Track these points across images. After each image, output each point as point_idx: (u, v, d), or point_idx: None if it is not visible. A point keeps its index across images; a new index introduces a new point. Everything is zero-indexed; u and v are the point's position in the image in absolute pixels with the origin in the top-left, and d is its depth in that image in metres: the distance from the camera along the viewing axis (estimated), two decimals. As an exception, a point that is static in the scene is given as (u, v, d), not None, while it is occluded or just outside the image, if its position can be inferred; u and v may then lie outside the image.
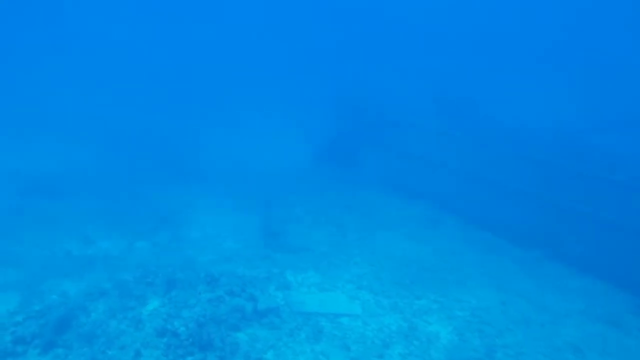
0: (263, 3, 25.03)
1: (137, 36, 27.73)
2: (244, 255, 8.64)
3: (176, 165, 14.80)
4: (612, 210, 8.92)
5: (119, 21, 27.46)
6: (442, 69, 17.41)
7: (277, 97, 20.70)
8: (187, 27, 27.18)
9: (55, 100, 20.05)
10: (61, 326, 5.13)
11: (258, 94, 21.35)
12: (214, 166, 15.07)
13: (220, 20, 27.05)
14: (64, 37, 25.56)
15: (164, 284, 6.13)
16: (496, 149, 11.62)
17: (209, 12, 27.16)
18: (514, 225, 10.26)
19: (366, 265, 8.16)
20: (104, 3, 27.23)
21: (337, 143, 16.27)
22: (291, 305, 6.44)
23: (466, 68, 17.53)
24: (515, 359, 6.15)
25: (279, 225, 9.70)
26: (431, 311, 7.08)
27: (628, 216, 8.71)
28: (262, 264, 7.90)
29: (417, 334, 6.39)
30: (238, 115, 20.39)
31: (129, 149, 16.06)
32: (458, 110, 14.87)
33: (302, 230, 9.42)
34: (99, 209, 10.89)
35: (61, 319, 5.17)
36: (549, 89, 16.31)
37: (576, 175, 9.80)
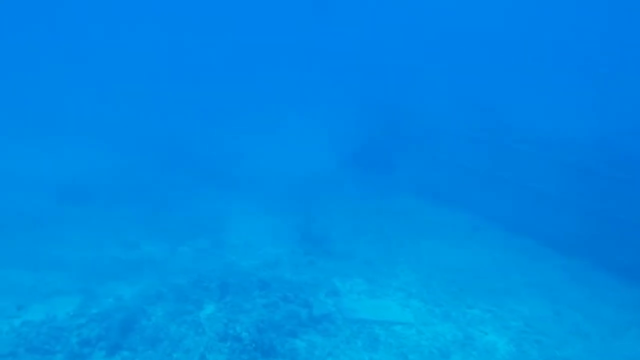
0: (291, 6, 25.25)
1: (162, 41, 28.41)
2: (287, 260, 8.63)
3: (205, 169, 14.97)
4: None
5: (143, 25, 28.15)
6: (473, 73, 17.24)
7: (306, 101, 20.81)
8: (215, 30, 27.60)
9: (81, 106, 20.60)
10: (125, 329, 5.20)
11: (286, 97, 21.53)
12: (244, 170, 15.19)
13: (249, 23, 27.42)
14: (87, 43, 26.32)
15: (218, 289, 6.17)
16: (533, 155, 11.40)
17: (237, 14, 27.52)
18: (557, 232, 9.95)
19: (412, 273, 8.04)
20: (125, 7, 27.93)
21: (367, 148, 16.19)
22: (343, 312, 6.37)
23: (497, 73, 17.31)
24: (580, 373, 5.95)
25: (320, 231, 9.66)
26: (485, 321, 6.90)
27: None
28: (308, 270, 7.87)
29: (474, 344, 6.22)
30: (266, 119, 20.53)
31: (157, 153, 16.35)
32: (490, 115, 14.69)
33: (344, 236, 9.36)
34: (136, 214, 11.07)
35: (124, 322, 5.24)
36: (578, 93, 15.96)
37: (620, 182, 9.52)
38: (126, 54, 26.92)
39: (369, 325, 6.19)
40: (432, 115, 15.46)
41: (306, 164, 16.48)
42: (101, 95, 22.21)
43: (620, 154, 10.59)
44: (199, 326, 5.41)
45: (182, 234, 10.05)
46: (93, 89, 22.91)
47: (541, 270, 8.82)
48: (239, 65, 24.93)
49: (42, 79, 22.01)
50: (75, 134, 17.91)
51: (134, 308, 5.68)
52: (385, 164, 15.07)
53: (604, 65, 16.47)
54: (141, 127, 19.44)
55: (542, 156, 11.10)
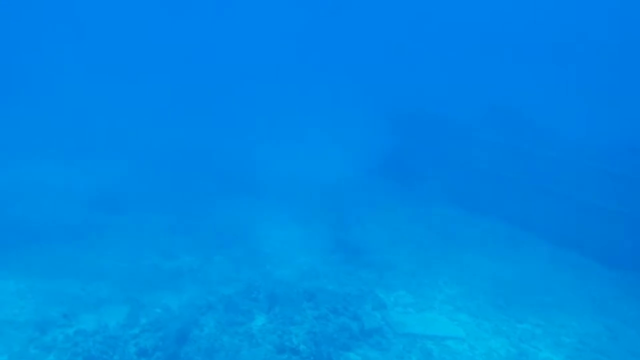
0: (314, 15, 25.49)
1: (185, 52, 28.96)
2: (326, 271, 8.53)
3: (230, 179, 15.04)
4: None
5: (165, 38, 28.73)
6: (505, 81, 17.04)
7: (331, 110, 20.84)
8: (238, 37, 27.99)
9: (105, 121, 21.07)
10: (180, 339, 5.18)
11: (311, 105, 21.60)
12: (270, 179, 15.19)
13: (270, 33, 27.77)
14: (110, 57, 27.00)
15: (267, 300, 6.11)
16: (571, 163, 11.12)
17: (259, 24, 27.91)
18: (603, 245, 9.60)
19: (456, 286, 7.85)
20: (146, 22, 28.51)
21: (394, 157, 16.06)
22: (393, 326, 6.24)
23: (529, 80, 17.07)
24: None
25: (356, 241, 9.57)
26: (537, 336, 6.66)
27: None
28: (350, 281, 7.76)
29: (530, 361, 6.02)
30: (290, 127, 20.62)
31: (182, 164, 16.54)
32: (522, 123, 14.44)
33: (382, 247, 9.23)
34: (169, 223, 11.13)
35: (179, 333, 5.23)
36: (614, 100, 15.58)
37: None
38: (149, 67, 27.60)
39: (420, 339, 6.04)
40: (461, 123, 15.30)
41: (332, 172, 16.40)
42: (123, 110, 22.79)
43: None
44: (252, 337, 5.36)
45: (216, 243, 10.06)
46: (116, 104, 23.52)
47: (589, 284, 8.52)
48: (266, 73, 25.20)
49: (63, 95, 22.68)
50: (101, 148, 18.22)
51: (185, 318, 5.67)
52: (414, 173, 14.89)
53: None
54: (165, 138, 19.77)
55: (582, 165, 10.83)
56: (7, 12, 25.30)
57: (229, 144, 19.06)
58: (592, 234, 9.77)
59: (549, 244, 10.03)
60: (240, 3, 27.86)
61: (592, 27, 18.64)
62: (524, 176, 11.86)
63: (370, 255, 8.99)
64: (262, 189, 14.29)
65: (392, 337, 5.90)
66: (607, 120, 13.83)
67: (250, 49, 27.08)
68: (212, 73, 27.45)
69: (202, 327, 5.53)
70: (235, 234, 10.57)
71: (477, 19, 20.57)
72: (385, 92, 19.13)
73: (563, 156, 11.47)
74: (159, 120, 21.50)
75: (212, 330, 5.48)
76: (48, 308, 7.00)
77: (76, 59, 26.00)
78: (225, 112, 22.71)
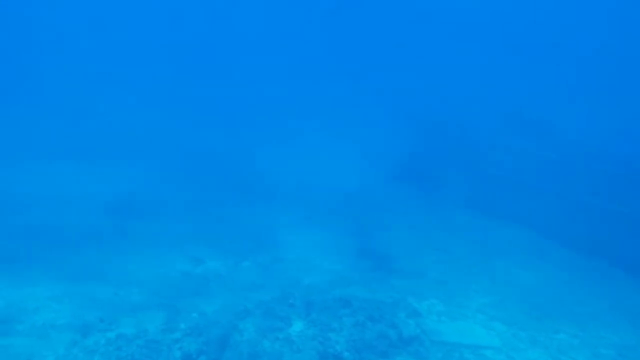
0: (331, 19, 25.68)
1: (200, 59, 29.34)
2: (353, 278, 8.52)
3: (246, 185, 15.15)
4: None
5: (177, 45, 29.13)
6: (524, 86, 17.01)
7: (346, 115, 20.93)
8: (252, 43, 28.22)
9: (119, 123, 21.38)
10: (222, 344, 5.23)
11: (327, 111, 21.70)
12: (286, 186, 15.28)
13: (289, 35, 27.98)
14: (126, 60, 27.43)
15: (304, 306, 6.15)
16: (593, 170, 11.04)
17: (271, 27, 28.14)
18: (631, 254, 9.52)
19: (488, 295, 7.80)
20: (159, 29, 28.94)
21: (412, 162, 16.04)
22: (429, 334, 6.22)
23: (547, 85, 17.02)
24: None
25: (381, 248, 9.58)
26: (574, 347, 6.58)
27: None
28: (381, 289, 7.76)
29: (570, 372, 5.95)
30: (306, 133, 20.73)
31: (197, 169, 16.70)
32: (542, 129, 14.40)
33: (409, 254, 9.23)
34: (190, 229, 11.24)
35: (221, 337, 5.28)
36: (634, 107, 15.45)
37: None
38: (161, 71, 28.03)
39: (458, 348, 6.01)
40: (481, 128, 15.28)
41: (349, 179, 16.42)
42: (136, 114, 23.12)
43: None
44: (293, 343, 5.39)
45: (241, 249, 10.14)
46: (128, 108, 23.89)
47: (620, 294, 8.39)
48: (283, 77, 25.38)
49: (78, 98, 23.08)
50: (115, 152, 18.49)
51: (224, 323, 5.73)
52: (434, 179, 14.86)
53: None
54: (178, 143, 20.04)
55: (605, 172, 10.76)
56: (22, 14, 25.96)
57: (244, 149, 19.20)
58: (619, 242, 9.65)
59: (574, 252, 9.92)
60: (257, 3, 28.10)
61: (613, 30, 18.56)
62: (546, 183, 11.79)
63: (397, 262, 8.99)
64: (280, 194, 14.37)
65: (429, 345, 5.89)
66: (631, 126, 13.71)
67: (267, 51, 27.30)
68: (226, 76, 27.79)
69: (242, 332, 5.58)
70: (258, 240, 10.64)
71: (497, 24, 20.65)
72: (403, 97, 19.20)
73: (586, 163, 11.41)
74: (172, 125, 21.82)
75: (252, 335, 5.52)
76: (84, 312, 7.12)
77: (93, 64, 26.58)
78: (240, 117, 22.92)
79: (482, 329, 6.59)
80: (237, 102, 24.13)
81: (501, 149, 13.79)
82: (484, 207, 12.38)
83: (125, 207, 12.49)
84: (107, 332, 6.09)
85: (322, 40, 26.32)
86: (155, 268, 9.07)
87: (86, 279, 8.43)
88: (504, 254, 9.53)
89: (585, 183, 10.94)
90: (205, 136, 20.35)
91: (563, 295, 8.02)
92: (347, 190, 14.79)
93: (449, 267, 8.71)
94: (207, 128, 21.30)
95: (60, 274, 8.53)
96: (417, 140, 16.41)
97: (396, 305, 6.91)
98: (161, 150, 18.30)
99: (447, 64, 20.84)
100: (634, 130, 13.14)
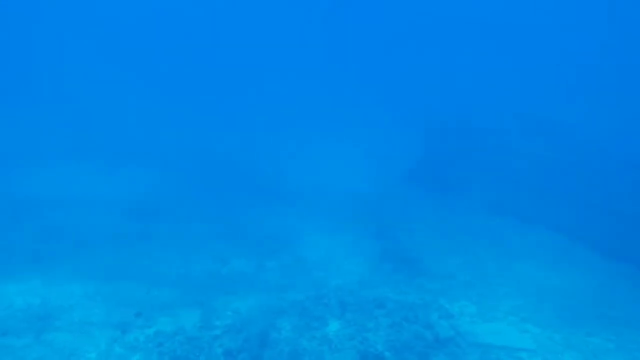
0: (344, 22, 25.82)
1: (215, 63, 29.63)
2: (380, 279, 8.52)
3: (261, 187, 15.25)
4: None
5: (190, 53, 29.41)
6: (545, 89, 16.93)
7: (363, 118, 20.98)
8: (267, 46, 28.42)
9: (132, 128, 21.67)
10: (261, 342, 5.29)
11: (342, 114, 21.78)
12: (302, 188, 15.36)
13: (297, 44, 28.19)
14: (142, 65, 27.75)
15: (338, 306, 6.19)
16: (616, 175, 10.96)
17: (287, 31, 28.33)
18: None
19: (518, 297, 7.76)
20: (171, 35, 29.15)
21: (428, 165, 16.00)
22: (464, 336, 6.21)
23: (568, 89, 16.91)
24: None
25: (406, 250, 9.59)
26: (609, 351, 6.52)
27: None
28: (410, 290, 7.76)
29: (609, 375, 5.90)
30: (321, 136, 20.84)
31: (212, 172, 16.84)
32: (561, 133, 14.29)
33: (435, 256, 9.22)
34: (212, 231, 11.34)
35: (260, 335, 5.34)
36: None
37: None
38: (176, 75, 28.37)
39: (493, 350, 6.00)
40: (496, 131, 15.21)
41: (364, 181, 16.44)
42: (151, 118, 23.41)
43: None
44: (331, 342, 5.43)
45: (263, 250, 10.22)
46: (142, 111, 24.21)
47: (652, 299, 8.32)
48: (296, 80, 25.53)
49: (91, 102, 23.43)
50: (131, 155, 18.81)
51: (261, 322, 5.79)
52: (450, 181, 14.82)
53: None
54: (192, 146, 20.23)
55: (629, 175, 10.66)
56: (33, 17, 26.46)
57: (259, 153, 19.34)
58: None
59: (601, 255, 9.82)
60: (271, 4, 28.33)
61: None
62: (570, 186, 11.71)
63: (423, 264, 8.99)
64: (297, 197, 14.45)
65: (465, 346, 5.88)
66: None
67: (282, 57, 27.53)
68: (240, 82, 28.04)
69: (279, 330, 5.64)
70: (279, 242, 10.72)
71: (512, 28, 20.61)
72: (418, 100, 19.21)
73: (611, 166, 11.32)
74: (184, 130, 22.07)
75: (290, 334, 5.58)
76: (120, 310, 7.24)
77: (109, 68, 27.01)
78: (255, 122, 23.11)
79: (516, 331, 6.56)
80: (251, 107, 24.35)
81: (521, 152, 13.73)
82: (506, 210, 12.31)
83: (146, 209, 12.73)
84: (145, 329, 6.20)
85: (336, 46, 26.49)
86: (182, 268, 9.19)
87: (116, 278, 8.58)
88: (531, 257, 9.46)
89: (611, 186, 10.85)
90: (218, 140, 20.57)
91: (594, 299, 7.94)
92: (363, 192, 14.82)
93: (477, 269, 8.68)
94: (220, 132, 21.53)
95: (91, 274, 8.69)
96: (432, 143, 16.39)
97: (428, 307, 6.91)
98: (174, 153, 18.54)
99: (462, 66, 20.85)
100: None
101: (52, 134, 19.22)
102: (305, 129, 21.15)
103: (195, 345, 5.39)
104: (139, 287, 8.10)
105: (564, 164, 12.36)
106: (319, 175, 16.41)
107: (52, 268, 8.72)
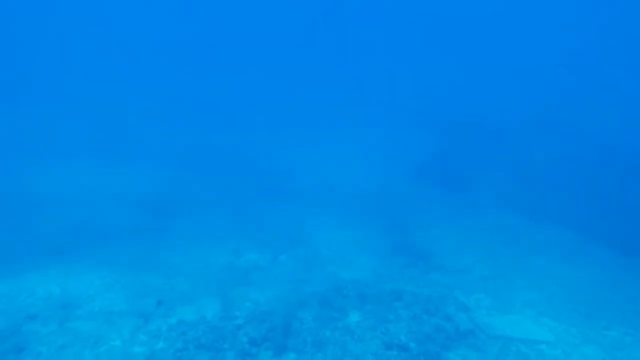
0: (356, 19, 25.65)
1: (222, 60, 29.61)
2: (395, 273, 8.54)
3: (272, 184, 15.28)
4: None
5: (199, 52, 29.39)
6: (557, 86, 16.82)
7: (373, 115, 20.92)
8: (275, 43, 28.32)
9: (140, 125, 21.74)
10: (285, 331, 5.34)
11: (351, 110, 21.71)
12: (312, 184, 15.39)
13: (305, 41, 28.07)
14: (151, 65, 27.80)
15: (357, 298, 6.23)
16: (632, 171, 10.92)
17: (297, 29, 28.18)
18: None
19: (533, 291, 7.78)
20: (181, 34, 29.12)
21: (438, 162, 15.97)
22: (483, 328, 6.25)
23: (580, 86, 16.80)
24: None
25: (419, 245, 9.62)
26: (628, 344, 6.54)
27: None
28: (425, 284, 7.79)
29: (629, 369, 5.92)
30: (330, 132, 20.80)
31: (222, 169, 16.89)
32: (572, 129, 14.23)
33: (449, 251, 9.24)
34: (225, 225, 11.42)
35: (283, 325, 5.39)
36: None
37: None
38: (184, 75, 28.38)
39: (513, 342, 6.03)
40: (509, 128, 15.17)
41: (373, 177, 16.47)
42: (160, 115, 23.45)
43: None
44: (353, 332, 5.48)
45: (276, 244, 10.28)
46: (151, 109, 24.25)
47: (667, 294, 8.31)
48: (307, 77, 25.46)
49: (102, 99, 23.50)
50: (142, 152, 18.88)
51: (282, 312, 5.84)
52: (460, 178, 14.80)
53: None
54: (204, 146, 20.24)
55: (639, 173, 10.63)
56: (48, 11, 26.49)
57: (269, 149, 19.37)
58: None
59: (613, 250, 9.81)
60: (278, 10, 28.31)
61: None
62: (581, 182, 11.70)
63: (437, 259, 9.02)
64: (307, 193, 14.48)
65: (485, 338, 5.92)
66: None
67: (291, 53, 27.43)
68: (247, 81, 28.01)
69: (301, 321, 5.69)
70: (290, 236, 10.77)
71: (525, 27, 20.44)
72: (429, 98, 19.14)
73: (622, 163, 11.28)
74: (198, 127, 22.12)
75: (312, 324, 5.63)
76: (139, 300, 7.31)
77: (117, 66, 27.07)
78: (266, 119, 23.09)
79: (533, 324, 6.59)
80: (263, 105, 24.30)
81: (532, 149, 13.70)
82: (518, 207, 12.29)
83: (160, 203, 12.88)
84: (167, 318, 6.28)
85: (346, 44, 26.35)
86: (198, 260, 9.27)
87: (134, 269, 8.66)
88: (544, 252, 9.47)
89: (623, 183, 10.83)
90: (229, 138, 20.59)
91: (609, 293, 7.95)
92: (373, 189, 14.82)
93: (491, 264, 8.71)
94: (231, 131, 21.56)
95: (109, 265, 8.78)
96: (442, 140, 16.37)
97: (445, 300, 6.94)
98: (186, 150, 18.60)
99: (473, 65, 20.74)
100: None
101: (67, 132, 19.36)
102: (317, 127, 21.11)
103: (219, 334, 5.45)
104: (156, 279, 8.18)
105: (575, 162, 12.35)
106: (330, 172, 16.43)
107: (70, 260, 8.82)
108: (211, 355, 5.07)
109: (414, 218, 11.94)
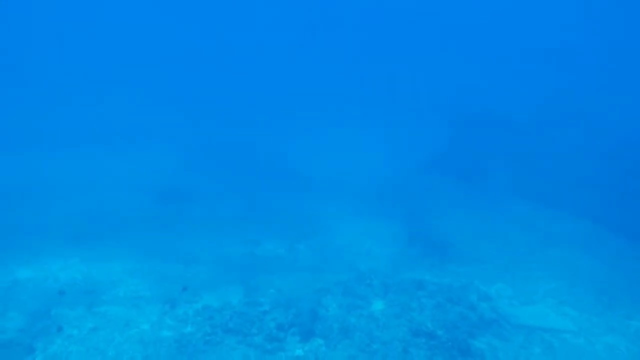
0: (367, 11, 25.32)
1: (232, 51, 29.40)
2: (410, 263, 8.54)
3: (286, 174, 15.24)
4: None
5: (211, 44, 29.19)
6: (571, 77, 16.56)
7: (385, 105, 20.76)
8: (288, 33, 28.00)
9: (155, 111, 21.77)
10: (312, 318, 5.40)
11: (364, 100, 21.56)
12: (326, 174, 15.31)
13: (314, 30, 27.76)
14: (163, 56, 27.72)
15: (381, 286, 6.28)
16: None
17: (301, 22, 27.91)
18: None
19: (553, 280, 7.78)
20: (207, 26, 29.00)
21: (451, 152, 15.84)
22: (506, 317, 6.28)
23: (595, 77, 16.52)
24: None
25: (436, 235, 9.62)
26: (650, 335, 6.57)
27: None
28: (443, 273, 7.81)
29: (654, 358, 5.92)
30: (343, 122, 20.67)
31: (232, 158, 16.90)
32: (586, 119, 14.06)
33: (466, 241, 9.24)
34: (240, 214, 11.47)
35: (310, 312, 5.46)
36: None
37: None
38: (193, 65, 28.25)
39: (537, 331, 6.06)
40: (521, 119, 15.01)
41: (389, 169, 16.41)
42: (171, 104, 23.44)
43: None
44: (378, 320, 5.53)
45: (293, 234, 10.31)
46: (162, 98, 24.23)
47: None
48: (321, 66, 25.16)
49: (115, 89, 23.53)
50: (152, 140, 18.97)
51: (308, 299, 5.90)
52: (474, 168, 14.69)
53: None
54: (212, 133, 20.29)
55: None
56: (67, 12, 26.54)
57: (279, 139, 19.33)
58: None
59: (631, 241, 9.74)
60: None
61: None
62: (596, 172, 11.59)
63: (455, 249, 9.02)
64: (321, 183, 14.45)
65: (509, 327, 5.96)
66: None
67: (307, 44, 27.12)
68: (257, 72, 27.84)
69: (326, 308, 5.75)
70: (307, 226, 10.80)
71: (539, 19, 20.08)
72: (443, 90, 18.93)
73: (635, 154, 11.16)
74: (206, 116, 22.11)
75: (337, 311, 5.69)
76: (163, 286, 7.42)
77: (128, 57, 27.06)
78: (275, 108, 23.00)
79: (555, 313, 6.60)
80: (277, 95, 24.14)
81: (547, 140, 13.57)
82: (533, 197, 12.20)
83: (176, 191, 12.94)
84: (192, 303, 6.38)
85: (363, 35, 25.99)
86: (217, 248, 9.34)
87: (154, 256, 8.75)
88: (561, 242, 9.43)
89: (638, 172, 10.71)
90: (241, 127, 20.56)
91: (629, 283, 7.91)
92: (388, 180, 14.78)
93: (509, 253, 8.70)
94: (238, 120, 21.50)
95: (129, 252, 8.88)
96: (457, 131, 16.23)
97: (466, 289, 6.97)
98: (198, 140, 18.62)
99: (487, 55, 20.42)
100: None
101: (84, 120, 19.49)
102: (332, 119, 20.97)
103: (246, 319, 5.53)
104: (176, 266, 8.28)
105: (590, 152, 12.22)
106: (344, 164, 16.38)
107: (90, 247, 8.94)
108: (239, 339, 5.16)
109: (429, 208, 11.92)
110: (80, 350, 5.45)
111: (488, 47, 20.67)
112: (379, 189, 13.85)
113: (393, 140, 18.81)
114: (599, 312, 6.89)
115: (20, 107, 19.10)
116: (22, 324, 6.05)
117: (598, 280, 8.00)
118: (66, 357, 5.34)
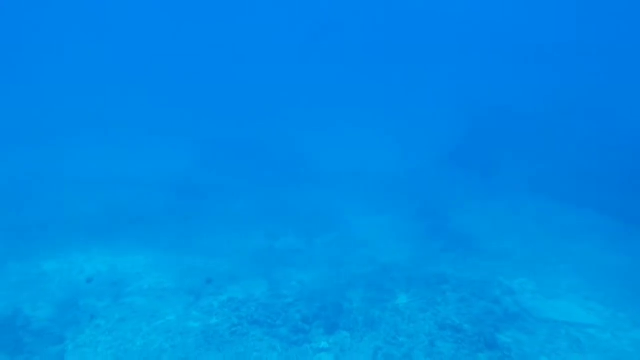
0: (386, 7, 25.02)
1: (246, 45, 29.38)
2: (430, 257, 8.54)
3: (303, 169, 15.26)
4: None
5: (224, 40, 29.20)
6: (584, 72, 16.23)
7: (400, 99, 20.64)
8: (301, 28, 27.85)
9: (169, 108, 21.94)
10: (336, 311, 5.44)
11: (378, 95, 21.46)
12: (341, 169, 15.29)
13: (329, 24, 27.56)
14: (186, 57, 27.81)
15: (404, 280, 6.28)
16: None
17: (318, 17, 27.71)
18: None
19: (576, 275, 7.69)
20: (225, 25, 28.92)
21: (466, 147, 15.68)
22: (530, 311, 6.24)
23: (608, 73, 16.17)
24: None
25: (456, 229, 9.57)
26: (678, 331, 6.47)
27: None
28: (465, 268, 7.76)
29: (682, 354, 5.84)
30: (356, 117, 20.62)
31: (245, 154, 16.95)
32: (601, 115, 13.81)
33: (487, 235, 9.18)
34: (258, 208, 11.53)
35: (333, 305, 5.50)
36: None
37: None
38: (206, 63, 28.29)
39: (562, 326, 6.01)
40: (538, 114, 14.81)
41: (403, 162, 16.29)
42: (185, 100, 23.58)
43: None
44: (403, 313, 5.55)
45: (310, 228, 10.32)
46: (176, 94, 24.37)
47: None
48: (333, 61, 25.03)
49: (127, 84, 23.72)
50: (166, 136, 19.18)
51: (332, 292, 5.94)
52: (490, 163, 14.56)
53: None
54: (225, 128, 20.37)
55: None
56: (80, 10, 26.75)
57: (293, 134, 19.32)
58: None
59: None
60: None
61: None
62: (613, 167, 11.40)
63: (475, 243, 8.97)
64: (336, 178, 14.46)
65: (534, 322, 5.92)
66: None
67: (320, 39, 26.98)
68: (277, 63, 27.75)
69: (350, 301, 5.78)
70: (324, 220, 10.81)
71: (555, 16, 19.65)
72: (458, 84, 18.73)
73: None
74: (222, 111, 22.19)
75: (361, 304, 5.72)
76: (186, 279, 7.52)
77: (142, 54, 27.26)
78: (290, 103, 22.98)
79: (580, 308, 6.54)
80: (291, 91, 24.08)
81: (565, 134, 13.37)
82: (550, 191, 12.05)
83: (194, 186, 13.07)
84: (217, 295, 6.47)
85: (377, 30, 25.74)
86: (236, 242, 9.42)
87: (176, 250, 8.86)
88: (582, 237, 9.30)
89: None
90: (253, 123, 20.60)
91: (654, 280, 7.82)
92: (404, 173, 14.72)
93: (530, 248, 8.62)
94: (254, 116, 21.53)
95: (152, 246, 9.00)
96: (472, 125, 16.07)
97: (489, 284, 6.93)
98: (212, 135, 18.70)
99: (502, 49, 20.08)
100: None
101: (101, 113, 19.74)
102: (349, 114, 20.87)
103: (271, 311, 5.60)
104: (198, 259, 8.38)
105: (607, 147, 12.02)
106: (359, 157, 16.33)
107: (113, 240, 9.09)
108: (265, 330, 5.22)
109: (447, 202, 11.85)
110: (108, 340, 5.57)
111: (505, 43, 20.33)
112: (395, 183, 13.81)
113: (408, 135, 18.69)
114: (625, 308, 6.78)
115: (44, 102, 19.42)
116: (52, 314, 6.21)
117: (622, 275, 7.88)
118: (95, 346, 5.47)
